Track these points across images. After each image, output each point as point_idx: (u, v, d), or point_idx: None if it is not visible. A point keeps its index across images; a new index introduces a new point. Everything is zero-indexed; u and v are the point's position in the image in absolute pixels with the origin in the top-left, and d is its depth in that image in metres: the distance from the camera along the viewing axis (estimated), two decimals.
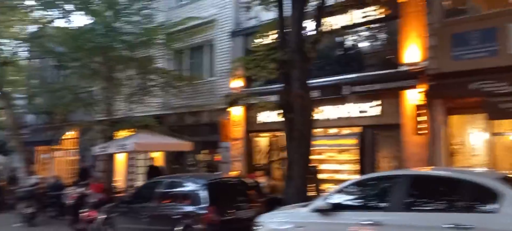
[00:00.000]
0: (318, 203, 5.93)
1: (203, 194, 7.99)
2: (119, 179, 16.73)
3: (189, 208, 8.05)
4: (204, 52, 15.12)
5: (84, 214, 10.90)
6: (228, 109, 13.34)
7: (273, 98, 10.82)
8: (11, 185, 17.08)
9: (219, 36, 14.25)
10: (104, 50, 13.51)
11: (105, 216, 9.79)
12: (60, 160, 20.55)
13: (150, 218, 8.58)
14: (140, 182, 17.21)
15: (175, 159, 15.35)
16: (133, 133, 13.92)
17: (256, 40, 11.05)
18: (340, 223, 5.56)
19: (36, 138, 19.24)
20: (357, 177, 8.06)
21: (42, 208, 13.67)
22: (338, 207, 5.67)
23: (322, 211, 5.73)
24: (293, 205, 7.04)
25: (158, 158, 15.68)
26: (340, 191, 6.04)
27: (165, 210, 8.47)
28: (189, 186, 8.52)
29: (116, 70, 14.13)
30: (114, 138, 14.45)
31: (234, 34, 13.84)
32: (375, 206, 5.58)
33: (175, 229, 7.90)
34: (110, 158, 14.88)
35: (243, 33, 13.59)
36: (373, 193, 5.91)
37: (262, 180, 11.38)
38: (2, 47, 17.66)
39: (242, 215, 8.04)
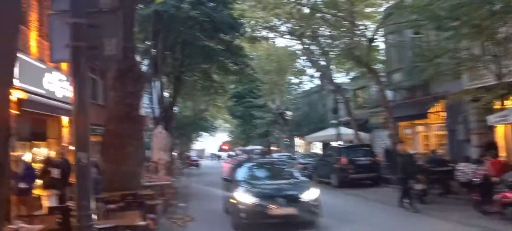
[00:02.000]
0: None
1: None
2: (503, 154, 14.07)
3: None
4: None
5: (499, 195, 9.05)
6: None
7: None
8: (386, 159, 17.32)
9: None
10: (488, 1, 11.26)
11: None
12: (423, 135, 19.61)
13: None
14: None
15: None
16: None
17: None
18: None
19: (398, 113, 18.87)
20: None
21: (428, 184, 12.73)
22: None
23: None
24: None
25: None
26: None
27: None
28: None
29: (505, 22, 11.58)
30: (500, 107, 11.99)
31: None
32: None
33: None
34: (489, 130, 12.45)
35: None
36: None
37: None
38: (364, 27, 18.21)
39: None
